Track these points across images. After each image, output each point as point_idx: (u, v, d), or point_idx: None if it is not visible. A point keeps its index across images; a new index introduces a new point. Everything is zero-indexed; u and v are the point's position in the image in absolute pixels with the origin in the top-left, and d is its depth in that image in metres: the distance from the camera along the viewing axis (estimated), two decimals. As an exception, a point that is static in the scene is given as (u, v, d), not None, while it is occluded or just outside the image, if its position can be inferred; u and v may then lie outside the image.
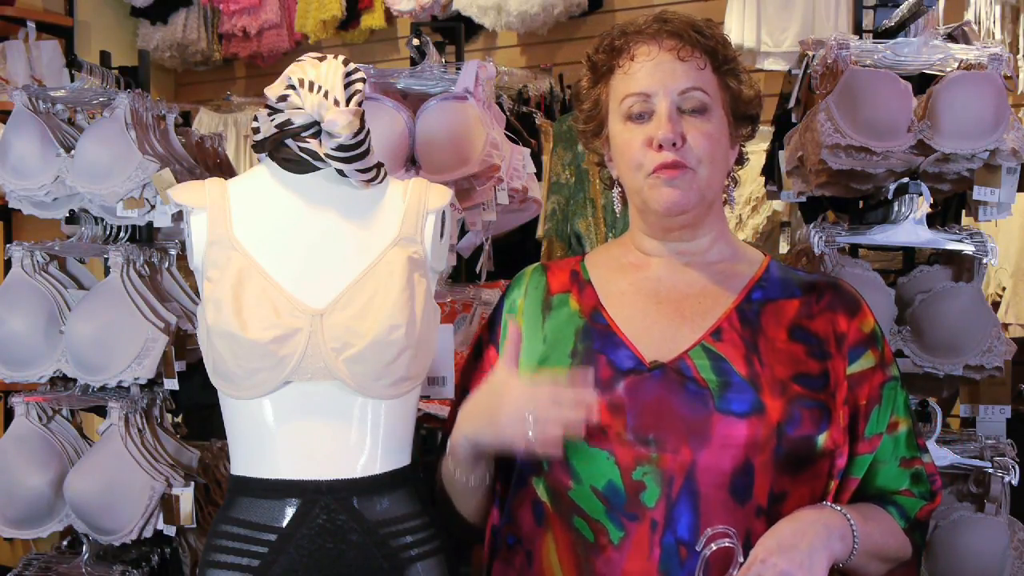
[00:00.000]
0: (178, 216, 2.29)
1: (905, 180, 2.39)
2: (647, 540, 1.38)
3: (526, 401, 1.37)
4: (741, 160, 1.58)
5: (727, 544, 1.34)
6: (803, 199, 2.63)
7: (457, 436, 1.49)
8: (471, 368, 1.64)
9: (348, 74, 1.65)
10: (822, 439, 1.43)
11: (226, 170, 2.98)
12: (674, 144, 1.44)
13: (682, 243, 1.53)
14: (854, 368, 1.48)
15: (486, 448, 1.47)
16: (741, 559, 1.34)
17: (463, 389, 1.64)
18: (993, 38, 3.61)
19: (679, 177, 1.45)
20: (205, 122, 5.10)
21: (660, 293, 1.52)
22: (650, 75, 1.46)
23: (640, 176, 1.48)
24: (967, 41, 2.53)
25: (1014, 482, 2.41)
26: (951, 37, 2.54)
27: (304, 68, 1.65)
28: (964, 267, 2.48)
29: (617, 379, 1.45)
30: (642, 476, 1.39)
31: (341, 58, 1.67)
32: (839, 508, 1.42)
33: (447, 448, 1.54)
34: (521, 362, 1.54)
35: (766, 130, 3.68)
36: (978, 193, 2.41)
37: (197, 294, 2.59)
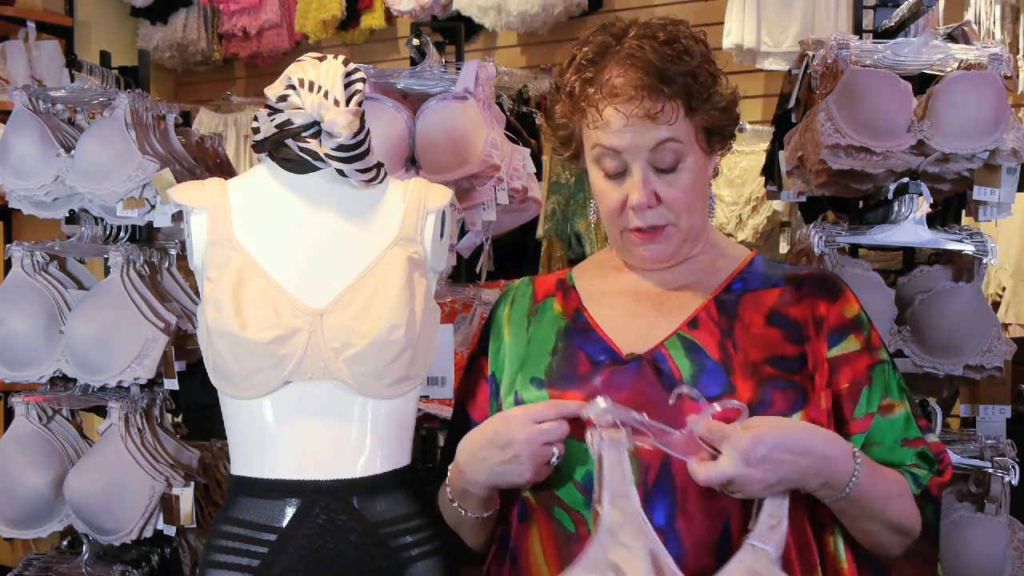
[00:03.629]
0: (178, 216, 2.29)
1: (905, 180, 2.39)
2: None
3: (537, 431, 1.39)
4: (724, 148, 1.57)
5: (684, 391, 1.35)
6: (803, 199, 2.63)
7: (468, 485, 1.48)
8: (466, 383, 1.65)
9: (348, 74, 1.65)
10: (796, 419, 1.42)
11: (226, 170, 2.97)
12: (649, 207, 1.45)
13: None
14: (835, 351, 1.47)
15: (508, 487, 1.46)
16: (715, 407, 1.34)
17: (457, 401, 1.66)
18: (993, 38, 3.61)
19: (656, 241, 1.48)
20: (205, 122, 5.10)
21: (640, 291, 1.54)
22: (620, 134, 1.43)
23: (617, 230, 1.51)
24: (967, 41, 2.53)
25: (1014, 482, 2.41)
26: (951, 37, 2.54)
27: (304, 68, 1.65)
28: (964, 267, 2.48)
29: (595, 372, 1.47)
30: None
31: (341, 58, 1.67)
32: (857, 456, 1.38)
33: (451, 495, 1.53)
34: (505, 365, 1.57)
35: (766, 130, 3.69)
36: (978, 193, 2.40)
37: (197, 294, 2.60)
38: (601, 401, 1.35)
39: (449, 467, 1.54)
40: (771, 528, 1.33)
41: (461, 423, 1.62)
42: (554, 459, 1.40)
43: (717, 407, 1.34)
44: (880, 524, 1.43)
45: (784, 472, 1.32)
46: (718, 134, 1.51)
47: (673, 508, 1.39)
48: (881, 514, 1.42)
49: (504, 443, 1.40)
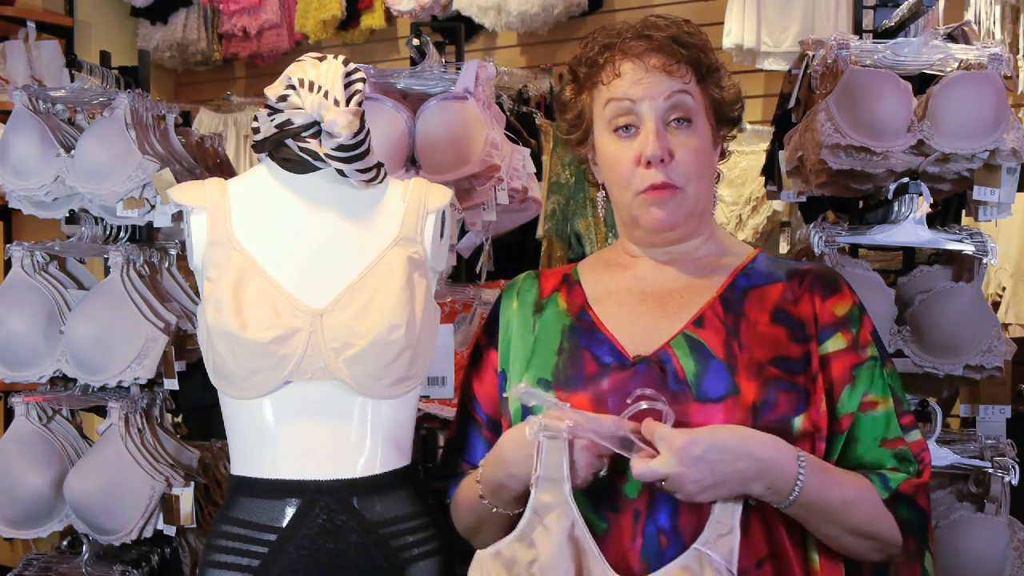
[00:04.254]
0: (178, 216, 2.29)
1: (905, 180, 2.39)
2: (630, 530, 1.40)
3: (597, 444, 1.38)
4: (724, 154, 1.61)
5: (647, 393, 1.37)
6: (803, 199, 2.62)
7: (509, 479, 1.46)
8: (472, 374, 1.65)
9: (348, 74, 1.65)
10: (799, 421, 1.42)
11: (226, 170, 2.98)
12: (662, 160, 1.46)
13: (670, 247, 1.56)
14: (824, 349, 1.48)
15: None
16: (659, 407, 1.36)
17: (464, 395, 1.67)
18: (993, 38, 3.61)
19: (668, 199, 1.48)
20: (205, 122, 5.10)
21: (645, 291, 1.54)
22: (635, 84, 1.48)
23: (629, 194, 1.50)
24: (967, 41, 2.53)
25: (1014, 482, 2.40)
26: (951, 37, 2.54)
27: (304, 68, 1.65)
28: (964, 267, 2.48)
29: (602, 374, 1.47)
30: (625, 468, 1.40)
31: (341, 58, 1.67)
32: (802, 460, 1.38)
33: (481, 491, 1.52)
34: (511, 362, 1.57)
35: (766, 130, 3.69)
36: (978, 193, 2.40)
37: (197, 294, 2.60)
38: (521, 385, 1.39)
39: (482, 462, 1.53)
40: (719, 536, 1.33)
41: (469, 413, 1.63)
42: (603, 472, 1.41)
43: (643, 405, 1.36)
44: (841, 529, 1.43)
45: (721, 474, 1.33)
46: (726, 116, 1.55)
47: (676, 511, 1.39)
48: (840, 519, 1.42)
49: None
